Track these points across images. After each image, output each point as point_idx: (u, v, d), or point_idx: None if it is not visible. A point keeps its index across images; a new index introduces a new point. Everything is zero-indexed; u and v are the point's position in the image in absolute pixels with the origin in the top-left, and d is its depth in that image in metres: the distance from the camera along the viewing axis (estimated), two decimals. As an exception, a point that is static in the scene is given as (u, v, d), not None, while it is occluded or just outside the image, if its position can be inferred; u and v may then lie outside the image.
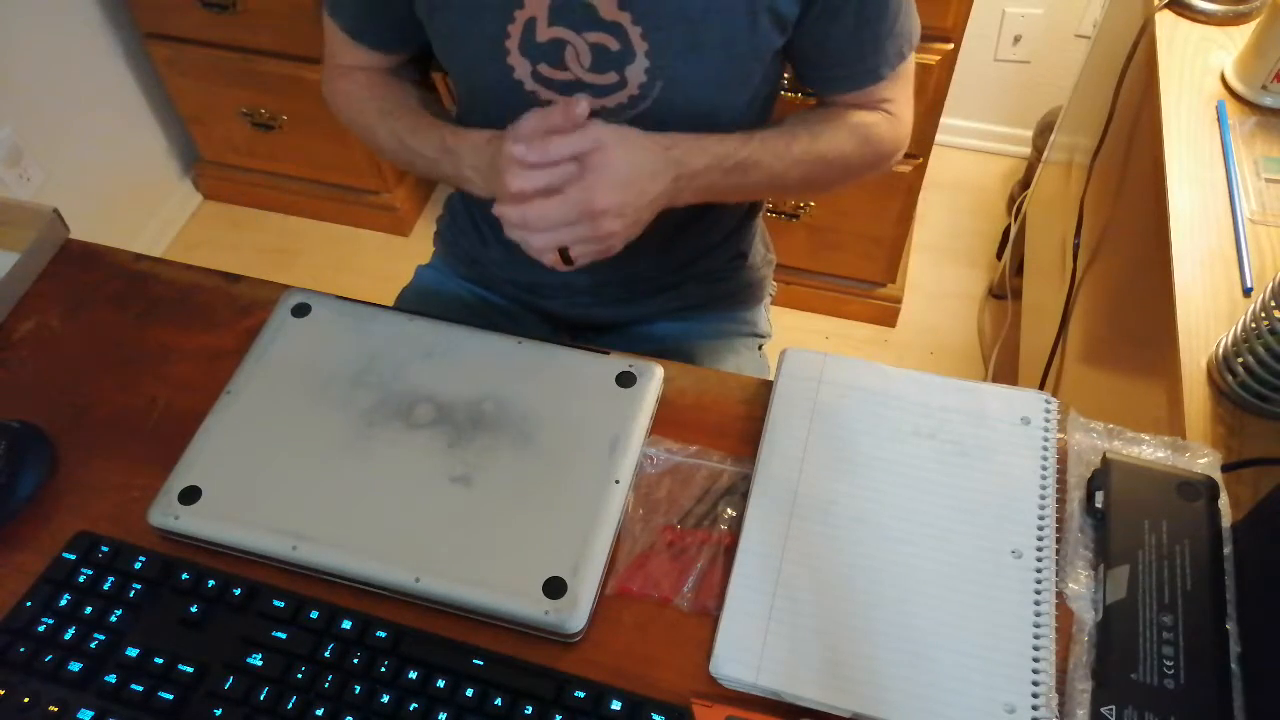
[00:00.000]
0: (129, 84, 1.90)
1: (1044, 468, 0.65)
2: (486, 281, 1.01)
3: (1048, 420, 0.67)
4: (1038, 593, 0.59)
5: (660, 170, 0.70)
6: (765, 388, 0.71)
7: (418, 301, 1.02)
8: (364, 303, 0.77)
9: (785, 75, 0.84)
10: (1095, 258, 1.19)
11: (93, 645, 0.59)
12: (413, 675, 0.58)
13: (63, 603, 0.61)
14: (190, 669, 0.58)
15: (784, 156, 0.76)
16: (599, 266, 0.94)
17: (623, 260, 0.93)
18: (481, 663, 0.58)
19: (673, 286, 0.96)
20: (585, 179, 0.66)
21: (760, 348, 1.04)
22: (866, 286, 1.85)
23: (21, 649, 0.59)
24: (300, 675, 0.58)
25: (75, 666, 0.59)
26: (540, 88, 0.75)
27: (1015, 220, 1.76)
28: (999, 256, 1.91)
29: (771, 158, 0.75)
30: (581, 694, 0.56)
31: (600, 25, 0.70)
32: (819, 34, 0.74)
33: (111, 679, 0.58)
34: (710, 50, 0.72)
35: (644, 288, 0.96)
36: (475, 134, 0.75)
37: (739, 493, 0.66)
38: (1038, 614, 0.59)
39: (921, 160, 1.56)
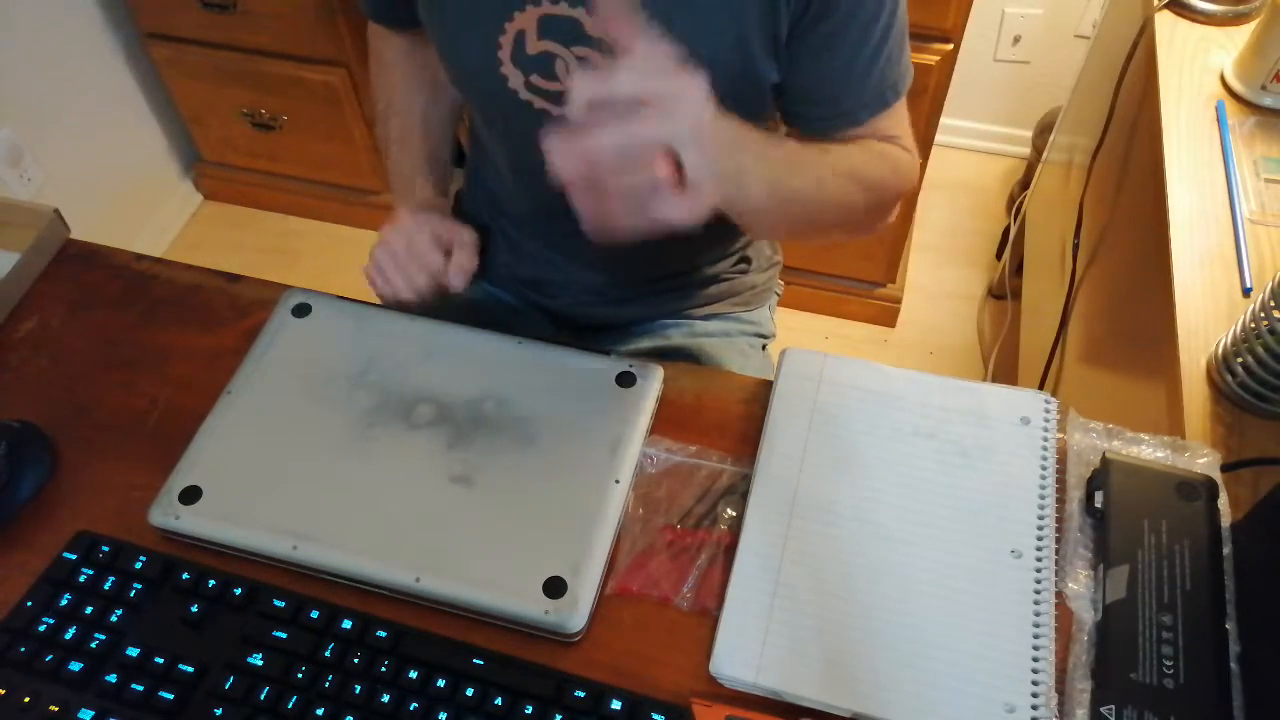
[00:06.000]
0: (129, 84, 1.90)
1: (1044, 468, 0.65)
2: (492, 278, 1.02)
3: (1047, 420, 0.67)
4: (1037, 593, 0.60)
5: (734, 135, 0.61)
6: (765, 388, 0.71)
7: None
8: (364, 303, 0.77)
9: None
10: (1095, 258, 1.19)
11: (93, 645, 0.60)
12: (413, 675, 0.58)
13: (63, 602, 0.61)
14: (190, 669, 0.58)
15: (822, 162, 0.71)
16: (603, 266, 0.95)
17: (625, 261, 0.94)
18: (481, 662, 0.58)
19: (676, 288, 0.96)
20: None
21: (764, 347, 1.04)
22: (866, 286, 1.85)
23: (22, 649, 0.59)
24: (300, 675, 0.58)
25: (76, 666, 0.59)
26: (535, 98, 0.76)
27: (1015, 220, 1.76)
28: (999, 256, 1.91)
29: (813, 156, 0.70)
30: (581, 694, 0.56)
31: (587, 41, 0.70)
32: (805, 67, 0.73)
33: (112, 679, 0.58)
34: (695, 68, 0.71)
35: (647, 289, 0.96)
36: (414, 198, 0.86)
37: (739, 493, 0.66)
38: (1037, 614, 0.59)
39: (921, 160, 1.56)
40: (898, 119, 0.78)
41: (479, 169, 0.98)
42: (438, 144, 0.92)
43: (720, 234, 0.95)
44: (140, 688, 0.58)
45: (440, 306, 1.00)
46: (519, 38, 0.72)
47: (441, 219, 0.84)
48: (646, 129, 0.53)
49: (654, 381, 0.70)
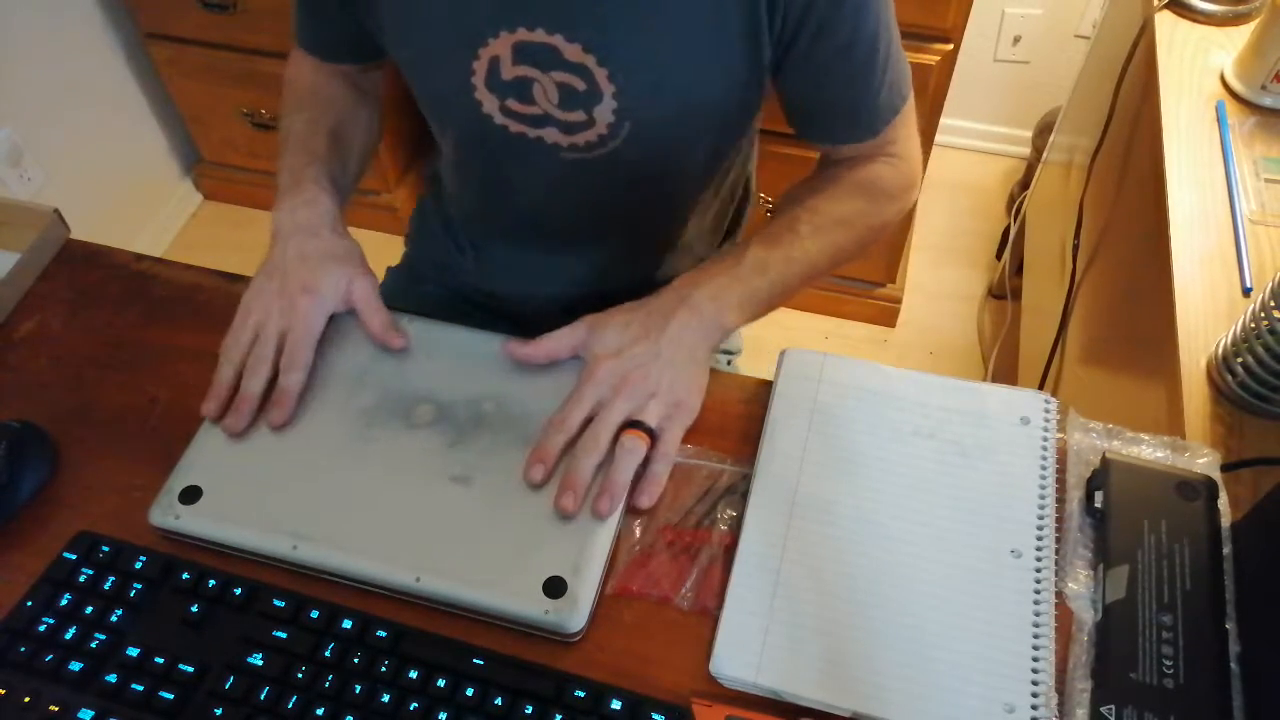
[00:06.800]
0: (129, 84, 1.90)
1: (1043, 468, 0.65)
2: (458, 287, 1.00)
3: (1047, 420, 0.67)
4: (1037, 592, 0.60)
5: (660, 304, 0.71)
6: (765, 388, 0.71)
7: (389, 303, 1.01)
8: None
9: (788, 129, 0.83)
10: (1095, 258, 1.19)
11: (93, 645, 0.60)
12: (413, 675, 0.58)
13: (63, 602, 0.61)
14: (191, 669, 0.58)
15: (799, 238, 0.75)
16: (569, 280, 0.93)
17: (596, 283, 0.92)
18: (481, 662, 0.58)
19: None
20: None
21: (729, 363, 1.03)
22: (866, 286, 1.85)
23: (22, 649, 0.59)
24: (301, 675, 0.58)
25: (76, 666, 0.59)
26: (510, 121, 0.75)
27: (1015, 220, 1.76)
28: (999, 257, 1.91)
29: (789, 244, 0.74)
30: (581, 693, 0.56)
31: (565, 66, 0.70)
32: (803, 92, 0.74)
33: (112, 679, 0.58)
34: (678, 94, 0.71)
35: (611, 303, 0.95)
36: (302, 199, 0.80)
37: (739, 493, 0.66)
38: (1037, 614, 0.59)
39: (921, 158, 1.56)
40: (904, 122, 0.79)
41: (446, 186, 0.96)
42: (346, 158, 0.87)
43: (688, 259, 0.94)
44: (140, 688, 0.58)
45: (411, 304, 0.98)
46: (493, 64, 0.71)
47: (341, 268, 0.76)
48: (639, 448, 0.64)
49: (654, 381, 0.70)
